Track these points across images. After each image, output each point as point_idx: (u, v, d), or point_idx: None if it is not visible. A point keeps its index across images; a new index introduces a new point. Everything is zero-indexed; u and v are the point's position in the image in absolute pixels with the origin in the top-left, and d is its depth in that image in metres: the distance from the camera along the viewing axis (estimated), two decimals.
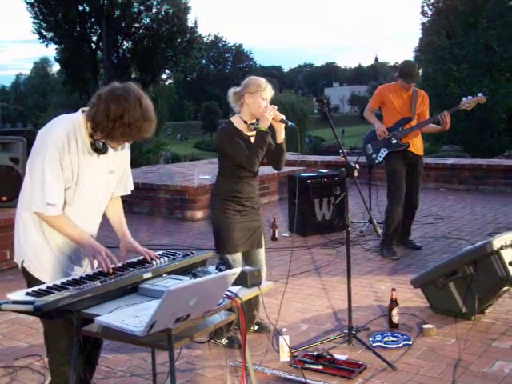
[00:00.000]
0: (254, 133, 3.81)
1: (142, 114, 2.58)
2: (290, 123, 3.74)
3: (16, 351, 3.95)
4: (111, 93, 2.60)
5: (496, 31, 32.12)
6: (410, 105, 5.99)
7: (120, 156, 2.90)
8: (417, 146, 6.07)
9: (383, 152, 6.07)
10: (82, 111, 2.73)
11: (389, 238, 6.02)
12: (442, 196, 9.41)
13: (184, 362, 3.68)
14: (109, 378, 3.52)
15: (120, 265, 2.76)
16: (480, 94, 5.81)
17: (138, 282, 2.58)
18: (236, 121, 3.86)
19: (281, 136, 3.84)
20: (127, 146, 2.90)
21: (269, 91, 3.79)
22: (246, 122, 3.83)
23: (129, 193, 3.07)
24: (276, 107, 3.73)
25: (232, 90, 3.91)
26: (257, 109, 3.76)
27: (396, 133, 5.98)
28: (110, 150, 2.77)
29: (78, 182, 2.72)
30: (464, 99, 5.81)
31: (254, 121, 3.82)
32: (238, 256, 3.90)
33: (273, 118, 3.73)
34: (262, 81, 3.81)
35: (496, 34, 32.04)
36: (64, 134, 2.65)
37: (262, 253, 4.03)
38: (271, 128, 3.77)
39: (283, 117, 3.76)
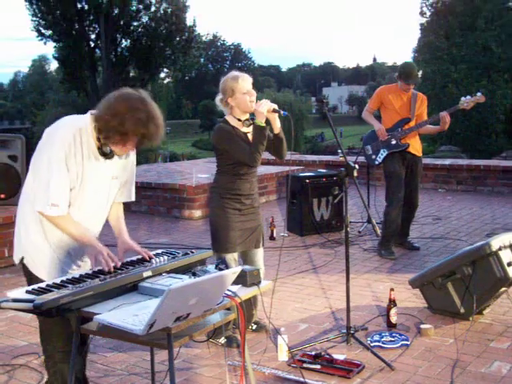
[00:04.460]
0: (249, 129, 3.83)
1: (146, 111, 2.58)
2: (282, 112, 3.74)
3: (14, 349, 3.94)
4: (117, 93, 2.63)
5: (494, 32, 32.19)
6: (409, 106, 6.00)
7: (125, 162, 2.89)
8: (415, 147, 6.08)
9: (383, 153, 6.07)
10: (91, 114, 2.72)
11: (387, 239, 6.02)
12: (440, 196, 9.42)
13: (182, 360, 3.68)
14: (107, 377, 3.52)
15: (119, 264, 2.76)
16: (479, 94, 5.83)
17: (137, 281, 2.58)
18: (230, 119, 3.86)
19: (276, 126, 3.83)
20: (133, 153, 2.89)
21: (244, 82, 3.75)
22: (239, 120, 3.83)
23: (133, 199, 3.06)
24: (268, 101, 3.73)
25: (218, 98, 3.89)
26: (245, 104, 3.76)
27: (395, 133, 5.99)
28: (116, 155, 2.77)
29: (81, 184, 2.71)
30: (463, 98, 5.83)
31: (247, 116, 3.82)
32: (235, 256, 3.89)
33: None
34: (233, 77, 3.77)
35: (494, 35, 32.10)
36: (71, 135, 2.64)
37: (260, 253, 4.02)
38: (266, 120, 3.77)
39: (275, 106, 3.75)
